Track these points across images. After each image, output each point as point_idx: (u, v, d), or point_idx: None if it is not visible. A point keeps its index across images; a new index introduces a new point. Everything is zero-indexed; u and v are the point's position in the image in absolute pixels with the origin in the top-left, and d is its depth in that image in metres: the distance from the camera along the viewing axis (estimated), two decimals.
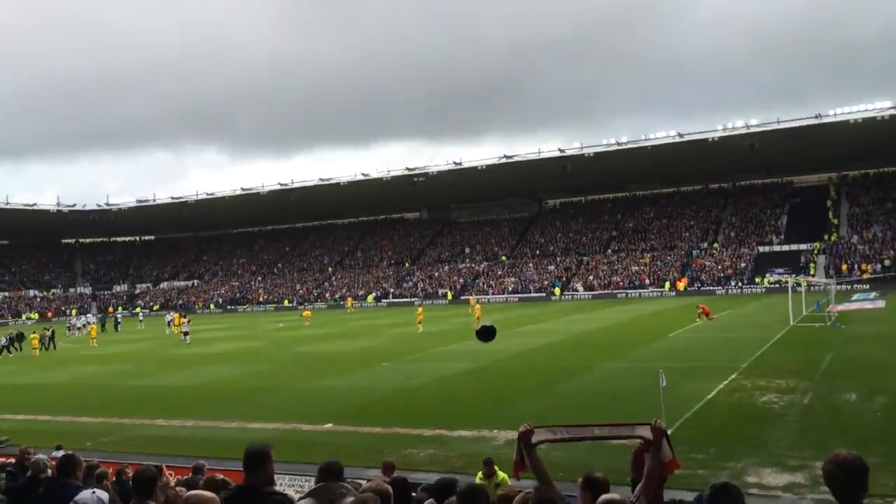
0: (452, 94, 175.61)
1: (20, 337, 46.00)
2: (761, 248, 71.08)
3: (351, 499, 5.17)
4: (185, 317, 53.56)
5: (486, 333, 11.25)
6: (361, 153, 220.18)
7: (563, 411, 17.54)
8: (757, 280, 65.48)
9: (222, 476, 7.92)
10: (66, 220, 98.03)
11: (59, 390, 27.90)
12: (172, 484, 8.53)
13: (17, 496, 7.45)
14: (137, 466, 9.16)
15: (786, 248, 70.02)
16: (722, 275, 68.11)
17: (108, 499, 4.94)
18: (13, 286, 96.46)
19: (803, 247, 68.44)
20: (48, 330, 47.71)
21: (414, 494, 9.37)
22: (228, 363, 32.93)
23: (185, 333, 44.39)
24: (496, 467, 10.32)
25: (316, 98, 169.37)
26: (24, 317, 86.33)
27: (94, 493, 4.94)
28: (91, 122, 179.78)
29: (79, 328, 61.42)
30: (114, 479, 9.86)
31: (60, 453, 10.40)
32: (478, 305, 47.79)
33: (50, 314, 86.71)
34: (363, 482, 6.85)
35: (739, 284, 65.85)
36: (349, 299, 79.42)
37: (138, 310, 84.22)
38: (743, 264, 69.09)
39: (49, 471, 7.71)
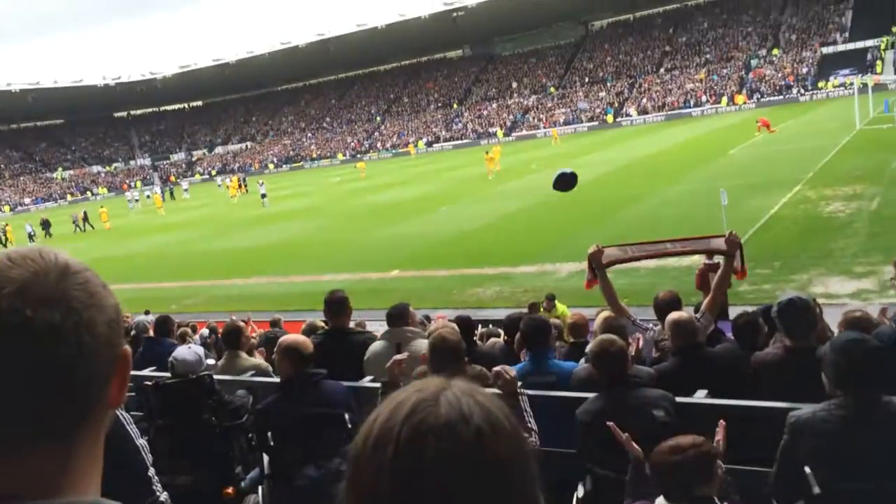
0: None
1: (46, 224, 45.27)
2: (824, 50, 66.98)
3: (420, 340, 5.44)
4: (244, 182, 54.40)
5: (565, 182, 9.67)
6: None
7: (623, 239, 17.58)
8: (820, 85, 62.31)
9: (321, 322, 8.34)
10: (115, 94, 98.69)
11: (137, 260, 29.22)
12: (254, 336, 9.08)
13: None
14: (221, 323, 9.76)
15: (851, 46, 65.77)
16: (783, 83, 64.96)
17: (203, 352, 5.31)
18: (77, 164, 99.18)
19: (870, 43, 64.12)
20: (81, 212, 47.43)
21: (482, 330, 9.77)
22: (292, 220, 33.78)
23: (263, 196, 43.07)
24: (556, 302, 10.59)
25: None
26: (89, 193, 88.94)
27: (189, 347, 5.32)
28: None
29: (136, 200, 62.24)
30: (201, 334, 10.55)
31: (148, 317, 11.10)
32: (496, 148, 42.90)
33: (125, 186, 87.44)
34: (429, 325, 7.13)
35: (801, 91, 62.83)
36: (410, 146, 78.63)
37: (198, 176, 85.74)
38: (805, 69, 65.56)
39: (150, 331, 8.28)
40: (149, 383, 5.07)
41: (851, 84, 41.05)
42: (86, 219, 46.13)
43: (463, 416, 0.84)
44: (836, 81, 60.18)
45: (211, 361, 6.15)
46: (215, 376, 5.13)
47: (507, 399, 3.70)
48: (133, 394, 6.12)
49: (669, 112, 67.81)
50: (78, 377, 0.90)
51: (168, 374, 5.10)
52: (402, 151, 78.55)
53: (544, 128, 73.82)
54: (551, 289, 11.97)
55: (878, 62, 60.98)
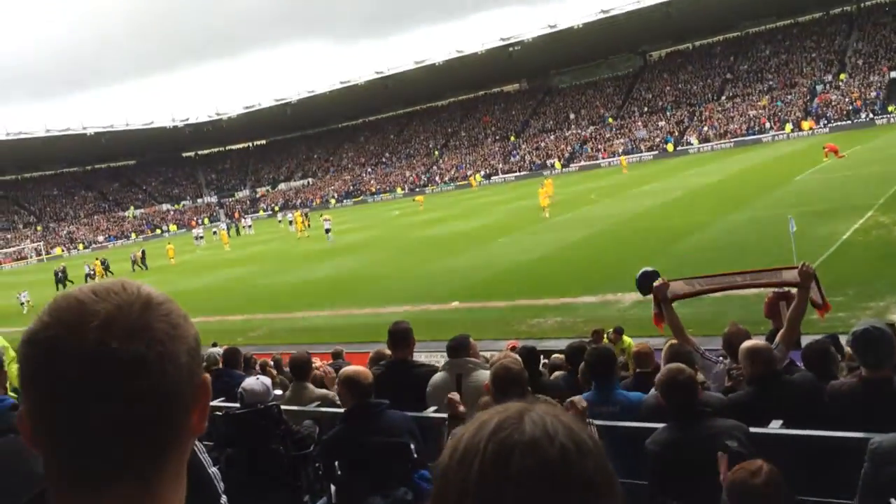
0: None
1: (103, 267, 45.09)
2: (893, 73, 65.05)
3: (482, 371, 5.43)
4: (307, 217, 55.26)
5: (646, 279, 8.91)
6: (463, 25, 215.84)
7: (686, 269, 17.28)
8: (890, 109, 60.40)
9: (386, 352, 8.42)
10: (183, 135, 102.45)
11: (204, 294, 29.94)
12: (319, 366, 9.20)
13: None
14: (287, 355, 9.92)
15: None
16: (850, 108, 63.22)
17: (271, 383, 5.41)
18: (147, 203, 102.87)
19: None
20: (139, 251, 48.40)
21: (546, 361, 9.67)
22: (353, 254, 34.24)
23: (328, 231, 42.74)
24: (624, 336, 10.43)
25: None
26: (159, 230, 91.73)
27: (258, 378, 5.42)
28: (193, 33, 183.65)
29: (201, 237, 63.12)
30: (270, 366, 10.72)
31: (217, 350, 11.35)
32: (548, 181, 40.65)
33: (193, 223, 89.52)
34: (493, 353, 7.11)
35: (870, 116, 61.01)
36: (472, 178, 78.98)
37: (261, 212, 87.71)
38: (873, 93, 63.75)
39: (219, 363, 8.49)
40: (219, 413, 5.18)
41: None
42: (143, 258, 46.85)
43: (548, 434, 0.85)
44: None
45: (279, 392, 6.26)
46: (283, 406, 5.21)
47: None
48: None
49: (732, 139, 66.63)
50: (162, 408, 0.92)
51: (237, 405, 5.21)
52: (462, 184, 78.93)
53: (602, 158, 73.42)
54: (614, 318, 11.81)
55: None
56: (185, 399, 0.95)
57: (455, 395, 4.33)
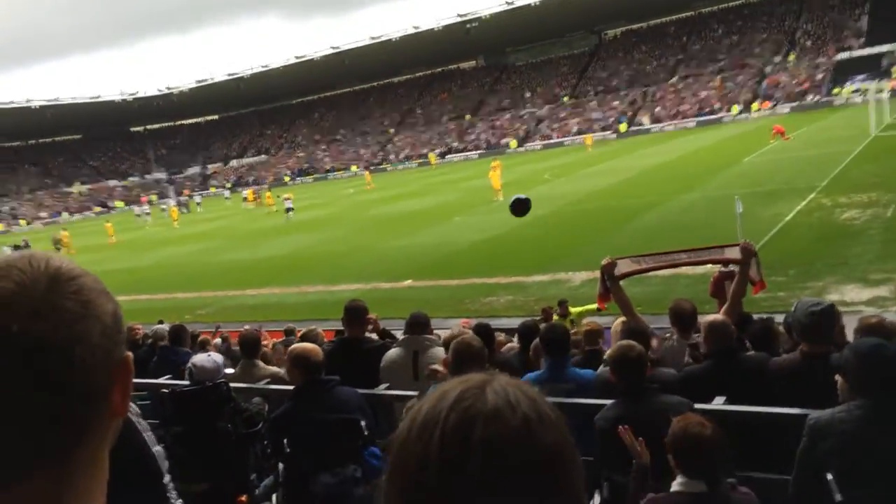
0: None
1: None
2: (840, 56, 66.56)
3: (437, 348, 5.44)
4: (257, 194, 54.52)
5: (520, 207, 9.56)
6: (414, 3, 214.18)
7: (637, 248, 17.52)
8: (835, 91, 61.92)
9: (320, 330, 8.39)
10: (132, 109, 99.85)
11: (152, 271, 29.42)
12: (270, 346, 9.12)
13: (136, 367, 8.11)
14: (236, 333, 9.81)
15: (867, 51, 65.27)
16: (798, 90, 64.59)
17: (222, 360, 5.33)
18: (93, 178, 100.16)
19: (886, 48, 63.62)
20: (59, 233, 45.42)
21: (499, 338, 9.73)
22: (307, 231, 33.91)
23: (288, 210, 41.04)
24: (569, 307, 10.56)
25: None
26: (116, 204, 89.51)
27: (209, 355, 5.33)
28: (144, 5, 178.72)
29: (147, 214, 61.74)
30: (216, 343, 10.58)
31: (163, 326, 11.16)
32: (496, 163, 38.88)
33: (144, 199, 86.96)
34: (445, 331, 7.12)
35: (816, 98, 62.45)
36: (431, 155, 78.58)
37: (213, 189, 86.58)
38: (820, 75, 65.18)
39: (165, 340, 8.34)
40: (165, 391, 5.10)
41: (867, 90, 40.77)
42: (58, 241, 43.21)
43: (510, 404, 0.84)
44: (852, 88, 59.77)
45: (229, 370, 6.18)
46: (232, 384, 5.15)
47: None
48: (148, 401, 6.16)
49: (684, 119, 67.62)
50: (73, 394, 0.85)
51: (183, 383, 5.13)
52: (422, 162, 78.62)
53: (557, 137, 73.89)
54: (564, 296, 11.92)
55: (894, 68, 60.52)
56: (100, 382, 0.89)
57: (438, 367, 4.35)
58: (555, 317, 10.37)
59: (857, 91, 57.21)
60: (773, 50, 72.78)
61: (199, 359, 5.10)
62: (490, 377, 0.89)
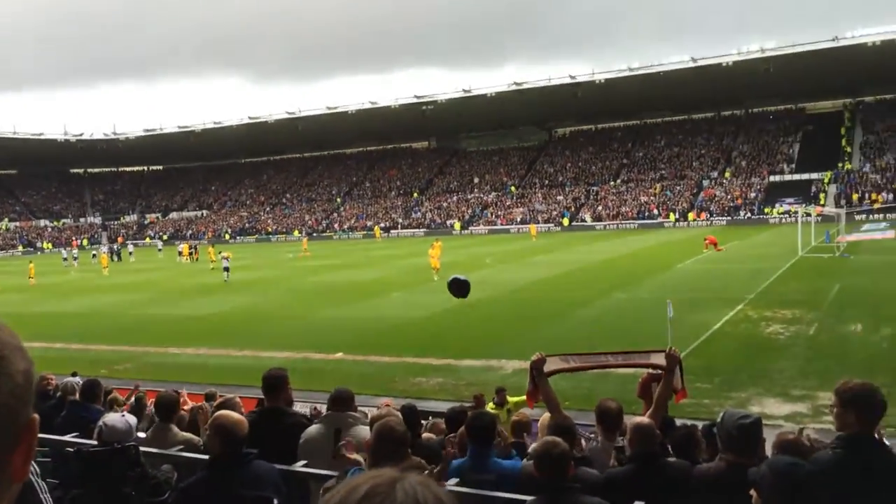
0: (474, 21, 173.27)
1: None
2: (772, 178, 70.37)
3: (361, 427, 5.32)
4: (192, 249, 53.49)
5: (459, 287, 9.64)
6: (381, 79, 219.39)
7: (571, 343, 17.70)
8: (766, 210, 65.08)
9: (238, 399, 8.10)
10: (75, 150, 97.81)
11: (72, 319, 28.31)
12: (188, 408, 8.76)
13: (42, 420, 7.66)
14: (154, 392, 9.41)
15: (797, 177, 69.32)
16: (732, 205, 67.69)
17: (136, 422, 5.08)
18: (24, 216, 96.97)
19: (814, 176, 67.71)
20: None
21: (424, 422, 9.58)
22: (239, 293, 33.28)
23: (226, 269, 38.91)
24: (507, 395, 10.50)
25: (338, 23, 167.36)
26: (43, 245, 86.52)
27: (123, 415, 5.09)
28: (112, 51, 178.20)
29: (75, 258, 60.27)
30: (132, 402, 10.12)
31: (76, 380, 10.64)
32: (437, 244, 38.84)
33: (74, 243, 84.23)
34: (372, 409, 6.99)
35: (749, 215, 65.48)
36: (377, 228, 78.50)
37: (148, 239, 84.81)
38: (753, 194, 68.57)
39: (76, 394, 7.92)
40: (70, 449, 4.83)
41: (796, 212, 42.93)
42: None
43: None
44: (782, 209, 62.94)
45: (142, 434, 5.90)
46: (142, 448, 4.91)
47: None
48: (49, 459, 5.81)
49: (623, 220, 69.84)
50: None
51: (91, 442, 4.87)
52: (369, 234, 78.75)
53: (501, 224, 75.27)
54: (495, 384, 11.87)
55: (822, 194, 64.20)
56: (2, 443, 0.84)
57: (346, 452, 4.24)
58: (491, 405, 10.30)
59: (786, 212, 60.22)
60: (711, 165, 76.45)
61: (111, 418, 4.88)
62: (401, 475, 0.87)
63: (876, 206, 59.03)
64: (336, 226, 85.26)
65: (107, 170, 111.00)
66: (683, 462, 4.98)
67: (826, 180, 66.32)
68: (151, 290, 36.76)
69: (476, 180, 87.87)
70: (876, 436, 3.98)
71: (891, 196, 60.81)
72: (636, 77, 72.70)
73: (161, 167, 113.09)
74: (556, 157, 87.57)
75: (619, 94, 76.05)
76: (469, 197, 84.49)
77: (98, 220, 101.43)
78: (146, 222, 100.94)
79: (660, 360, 6.05)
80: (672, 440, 5.59)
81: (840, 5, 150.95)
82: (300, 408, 12.22)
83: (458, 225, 77.28)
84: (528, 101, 79.09)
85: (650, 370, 8.29)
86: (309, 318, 25.20)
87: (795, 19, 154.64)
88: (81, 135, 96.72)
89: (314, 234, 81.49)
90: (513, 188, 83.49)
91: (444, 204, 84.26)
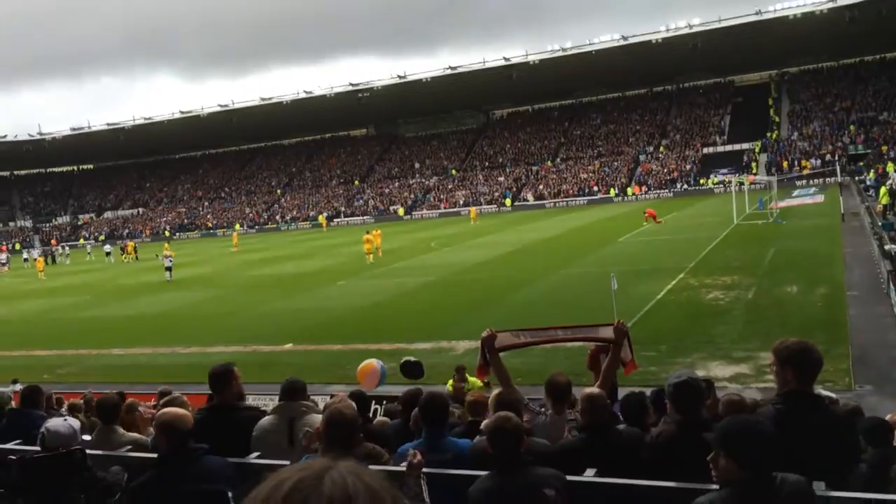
0: (407, 8, 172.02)
1: None
2: (706, 150, 72.06)
3: (314, 414, 5.28)
4: (135, 249, 52.15)
5: (412, 370, 9.51)
6: (317, 70, 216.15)
7: (518, 320, 17.88)
8: (701, 182, 66.64)
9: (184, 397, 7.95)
10: None
11: (9, 325, 27.38)
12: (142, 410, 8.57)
13: None
14: (98, 395, 9.17)
15: (729, 148, 71.17)
16: (668, 178, 69.12)
17: (79, 425, 4.94)
18: None
19: (745, 146, 69.61)
20: None
21: (378, 407, 9.59)
22: (182, 290, 32.62)
23: (168, 269, 37.15)
24: (467, 374, 10.56)
25: (270, 13, 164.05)
26: None
27: (66, 420, 4.93)
28: (33, 49, 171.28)
29: (3, 264, 58.12)
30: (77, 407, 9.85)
31: (18, 386, 10.32)
32: (376, 232, 38.38)
33: (3, 247, 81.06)
34: (325, 398, 6.95)
35: (685, 187, 66.96)
36: (322, 218, 77.26)
37: (82, 241, 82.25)
38: (688, 166, 70.13)
39: (12, 404, 7.65)
40: (13, 457, 4.67)
41: (730, 182, 44.11)
42: None
43: (347, 497, 0.80)
44: (716, 179, 64.54)
45: (87, 437, 5.74)
46: (88, 451, 4.78)
47: (409, 478, 3.66)
48: None
49: (564, 198, 70.66)
50: None
51: (35, 448, 4.72)
52: (315, 224, 77.47)
53: (444, 207, 75.33)
54: (447, 365, 11.94)
55: (754, 164, 66.06)
56: None
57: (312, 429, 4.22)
58: (450, 382, 10.36)
59: (720, 182, 61.78)
60: (647, 140, 77.83)
61: (54, 423, 4.73)
62: (332, 464, 0.85)
63: (805, 172, 60.99)
64: (278, 217, 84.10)
65: (35, 171, 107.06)
66: (634, 429, 5.08)
67: (757, 150, 68.24)
68: (91, 292, 35.74)
69: (417, 165, 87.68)
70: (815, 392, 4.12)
71: (819, 162, 62.91)
72: (569, 57, 73.39)
73: (92, 166, 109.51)
74: (495, 138, 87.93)
75: (553, 75, 76.65)
76: (411, 182, 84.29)
77: (29, 224, 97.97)
78: (80, 223, 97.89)
79: (608, 333, 6.17)
80: (623, 407, 5.70)
81: None
82: (252, 401, 12.10)
83: (401, 211, 77.03)
84: (465, 84, 79.13)
85: (598, 343, 8.45)
86: (256, 311, 24.87)
87: None
88: (5, 136, 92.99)
89: (256, 227, 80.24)
90: (454, 171, 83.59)
91: (386, 190, 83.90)
